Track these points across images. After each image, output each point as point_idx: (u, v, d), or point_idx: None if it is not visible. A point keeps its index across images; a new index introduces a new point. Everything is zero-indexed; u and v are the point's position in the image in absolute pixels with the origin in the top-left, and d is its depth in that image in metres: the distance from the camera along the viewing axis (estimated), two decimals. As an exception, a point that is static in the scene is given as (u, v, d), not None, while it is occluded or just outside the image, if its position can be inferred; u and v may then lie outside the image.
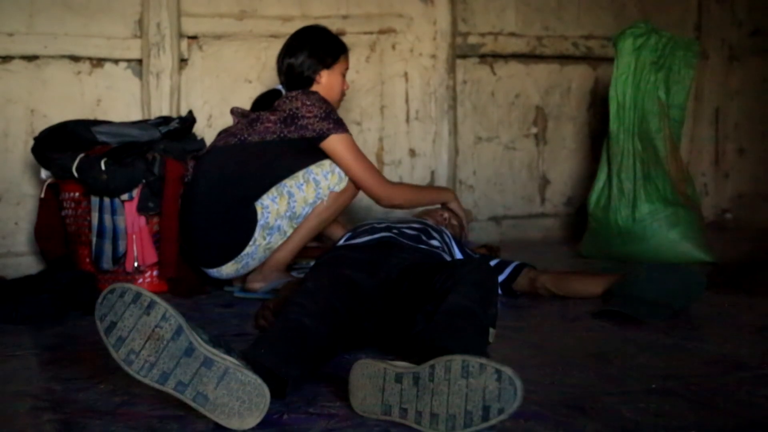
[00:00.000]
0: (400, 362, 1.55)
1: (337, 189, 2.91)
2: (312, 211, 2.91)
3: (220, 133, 3.05)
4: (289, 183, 2.86)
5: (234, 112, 3.08)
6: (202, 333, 1.56)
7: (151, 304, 1.54)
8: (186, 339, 1.53)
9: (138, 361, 1.53)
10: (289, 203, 2.85)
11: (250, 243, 2.86)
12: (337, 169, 2.90)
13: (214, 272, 2.94)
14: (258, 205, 2.84)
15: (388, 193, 2.98)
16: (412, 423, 1.48)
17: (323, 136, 2.86)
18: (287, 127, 2.85)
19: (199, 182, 2.92)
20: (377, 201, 3.01)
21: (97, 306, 1.55)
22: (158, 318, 1.53)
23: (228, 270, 2.92)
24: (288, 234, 2.91)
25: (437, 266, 2.05)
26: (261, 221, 2.84)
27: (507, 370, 1.40)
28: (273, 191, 2.85)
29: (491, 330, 1.83)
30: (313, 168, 2.88)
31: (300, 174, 2.87)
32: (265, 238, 2.86)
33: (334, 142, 2.87)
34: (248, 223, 2.84)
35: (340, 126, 2.90)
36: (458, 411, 1.42)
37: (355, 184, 2.95)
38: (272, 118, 2.88)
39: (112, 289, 1.56)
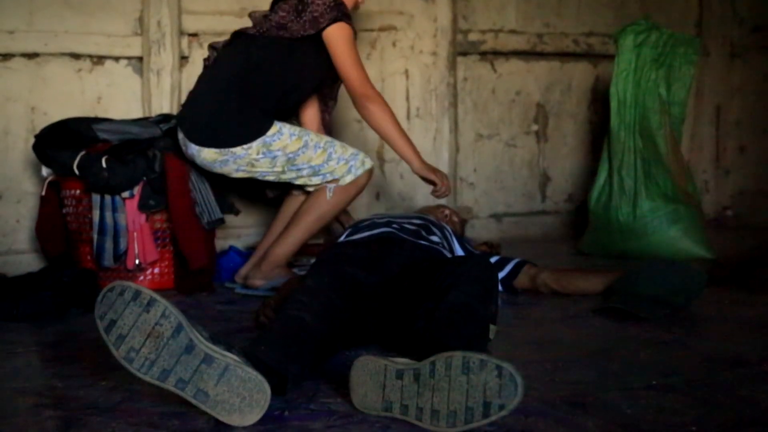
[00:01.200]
0: (400, 359, 1.55)
1: (341, 182, 2.92)
2: (311, 206, 2.92)
3: (235, 32, 3.04)
4: (312, 137, 2.90)
5: (252, 15, 3.08)
6: (202, 330, 1.56)
7: (151, 302, 1.54)
8: (186, 336, 1.53)
9: (138, 359, 1.53)
10: (298, 150, 2.86)
11: (245, 146, 2.82)
12: (351, 163, 2.92)
13: (194, 150, 2.88)
14: (276, 125, 2.84)
15: (368, 95, 2.86)
16: (413, 419, 1.48)
17: (333, 22, 2.83)
18: (299, 15, 2.86)
19: (224, 65, 2.92)
20: (355, 99, 2.89)
21: (97, 304, 1.55)
22: (158, 315, 1.53)
23: (206, 155, 2.86)
24: (277, 168, 2.89)
25: (437, 263, 2.06)
26: (267, 138, 2.83)
27: (508, 366, 1.40)
28: (296, 129, 2.88)
29: (492, 327, 1.83)
30: (338, 145, 2.92)
31: (324, 138, 2.93)
32: (258, 153, 2.83)
33: (337, 28, 2.84)
34: (258, 128, 2.82)
35: (349, 18, 2.88)
36: (459, 407, 1.42)
37: (342, 78, 2.88)
38: (285, 6, 2.90)
39: (112, 288, 1.56)
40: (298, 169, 2.91)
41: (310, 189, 3.00)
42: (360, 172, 2.94)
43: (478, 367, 1.41)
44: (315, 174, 2.92)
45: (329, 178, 2.92)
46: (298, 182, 2.97)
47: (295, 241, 2.96)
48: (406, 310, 1.96)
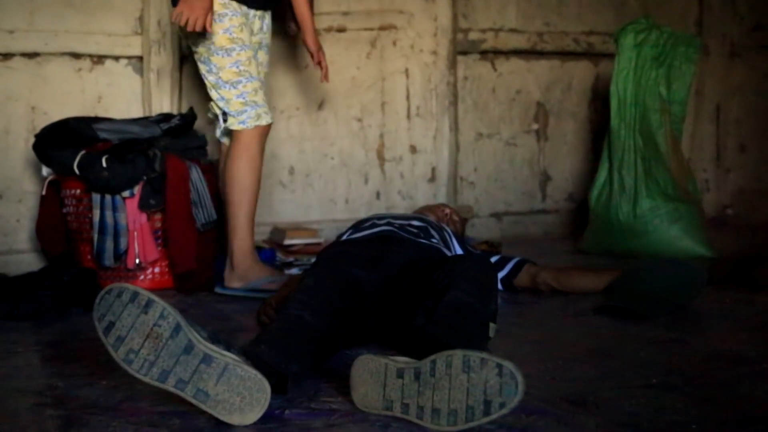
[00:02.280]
0: (401, 357, 1.55)
1: (228, 123, 2.84)
2: (227, 184, 2.86)
3: None
4: (244, 58, 2.81)
5: None
6: (200, 330, 1.56)
7: (149, 303, 1.54)
8: (185, 336, 1.53)
9: (138, 360, 1.53)
10: (221, 50, 2.79)
11: None
12: (248, 109, 2.82)
13: None
14: (227, 9, 2.78)
15: None
16: (414, 418, 1.48)
17: None
18: None
19: None
20: None
21: (95, 306, 1.55)
22: (156, 316, 1.53)
23: None
24: (200, 47, 2.82)
25: (436, 262, 2.06)
26: (221, 11, 2.77)
27: (508, 365, 1.40)
28: (240, 41, 2.79)
29: (492, 325, 1.83)
30: (254, 86, 2.83)
31: (252, 72, 2.83)
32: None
33: None
34: None
35: None
36: (459, 406, 1.42)
37: None
38: None
39: (110, 290, 1.56)
40: (208, 67, 2.83)
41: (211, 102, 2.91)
42: (250, 124, 2.82)
43: (478, 365, 1.41)
44: (215, 86, 2.84)
45: (221, 104, 2.84)
46: (201, 72, 2.88)
47: (240, 226, 2.85)
48: (406, 309, 1.96)
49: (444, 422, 1.43)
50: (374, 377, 1.54)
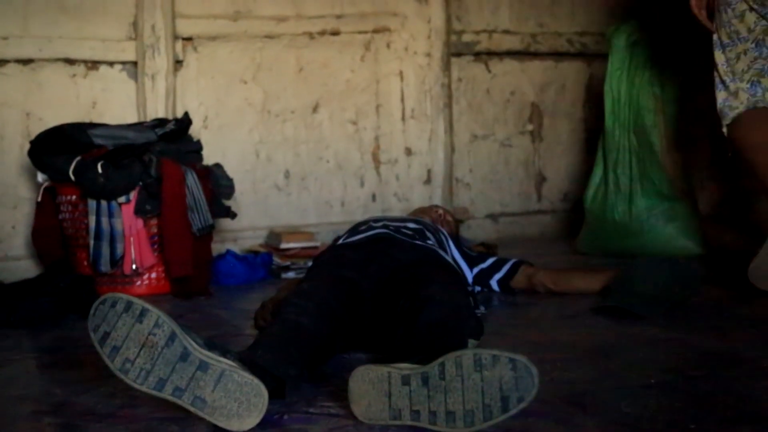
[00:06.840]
0: (403, 364, 1.51)
1: None
2: None
3: None
4: None
5: None
6: (196, 337, 1.56)
7: (143, 312, 1.54)
8: (180, 344, 1.52)
9: (134, 370, 1.52)
10: None
11: None
12: None
13: None
14: None
15: None
16: (426, 424, 1.44)
17: None
18: None
19: None
20: None
21: (90, 317, 1.55)
22: (151, 325, 1.53)
23: None
24: None
25: (409, 284, 2.00)
26: None
27: (521, 358, 1.38)
28: None
29: (471, 341, 1.80)
30: None
31: None
32: None
33: None
34: None
35: None
36: (476, 405, 1.39)
37: None
38: None
39: (104, 300, 1.56)
40: None
41: None
42: None
43: (490, 362, 1.39)
44: None
45: None
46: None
47: None
48: (395, 317, 1.93)
49: (461, 424, 1.41)
50: (377, 387, 1.49)
